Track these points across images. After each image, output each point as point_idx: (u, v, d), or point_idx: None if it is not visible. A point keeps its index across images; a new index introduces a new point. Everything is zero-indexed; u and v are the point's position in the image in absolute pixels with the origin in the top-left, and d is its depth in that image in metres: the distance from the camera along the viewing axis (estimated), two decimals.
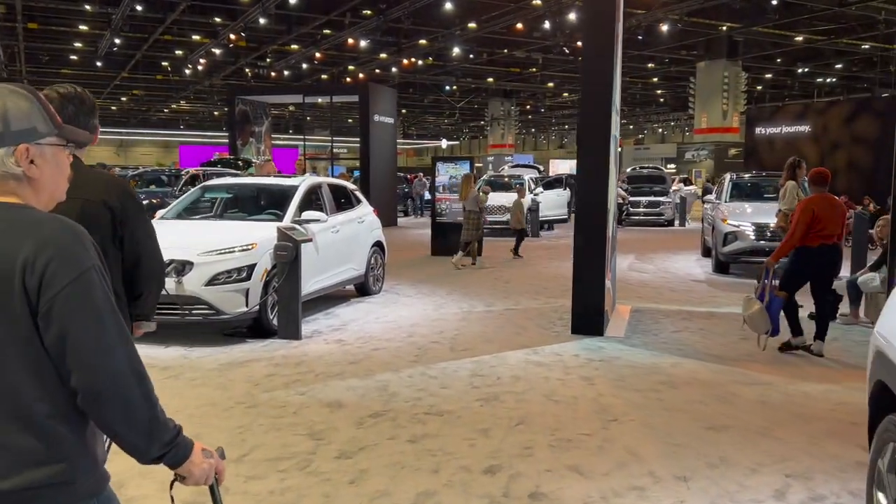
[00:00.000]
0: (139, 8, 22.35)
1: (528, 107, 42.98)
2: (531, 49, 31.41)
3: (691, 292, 9.28)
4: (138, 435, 1.36)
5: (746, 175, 12.65)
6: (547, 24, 23.81)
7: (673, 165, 39.66)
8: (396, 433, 4.30)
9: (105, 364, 1.32)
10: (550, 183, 19.10)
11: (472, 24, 25.14)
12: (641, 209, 18.64)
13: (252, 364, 5.86)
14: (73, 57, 32.86)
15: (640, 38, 25.88)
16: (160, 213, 7.76)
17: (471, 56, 29.90)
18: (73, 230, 1.37)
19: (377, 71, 32.00)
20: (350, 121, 54.64)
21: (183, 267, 6.28)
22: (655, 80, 38.92)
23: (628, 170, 22.78)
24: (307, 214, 7.39)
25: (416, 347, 6.38)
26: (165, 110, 49.31)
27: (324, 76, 35.30)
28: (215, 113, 49.90)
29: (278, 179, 8.46)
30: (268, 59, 32.53)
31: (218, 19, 26.06)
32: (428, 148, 62.96)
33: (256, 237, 6.68)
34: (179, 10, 23.38)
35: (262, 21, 22.85)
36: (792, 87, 39.04)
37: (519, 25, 23.45)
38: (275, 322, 6.76)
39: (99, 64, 30.61)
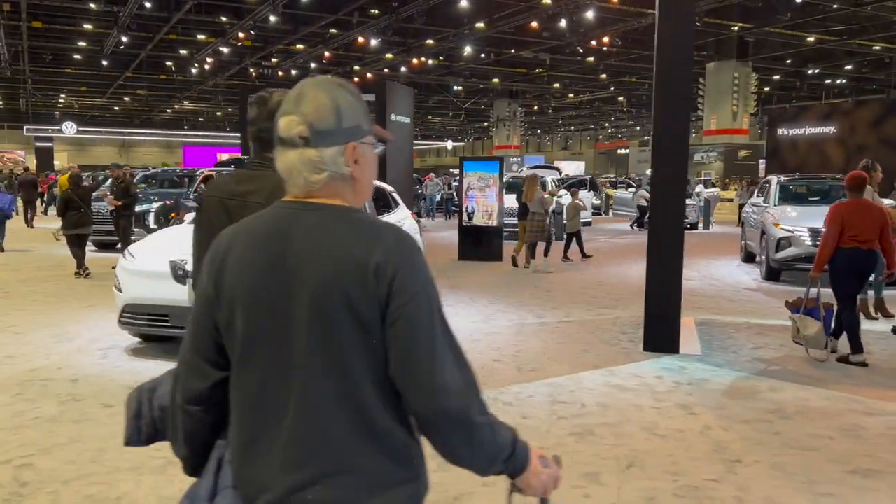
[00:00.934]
0: (148, 5, 21.65)
1: (535, 107, 42.35)
2: (539, 49, 30.88)
3: (750, 302, 8.64)
4: (479, 458, 1.29)
5: (793, 177, 11.97)
6: (562, 23, 23.21)
7: None
8: (491, 478, 3.63)
9: (448, 385, 1.23)
10: (574, 184, 18.42)
11: (480, 24, 24.58)
12: None
13: None
14: (77, 56, 32.21)
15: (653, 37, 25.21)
16: (189, 216, 7.09)
17: (482, 55, 29.26)
18: (413, 239, 1.30)
19: (386, 70, 31.33)
20: None
21: None
22: None
23: (648, 171, 22.07)
24: None
25: (478, 366, 5.69)
26: (168, 111, 48.59)
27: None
28: (217, 113, 49.26)
29: None
30: (273, 59, 31.90)
31: (224, 18, 25.46)
32: (431, 149, 62.31)
33: None
34: (186, 8, 22.73)
35: (272, 19, 22.16)
36: (801, 89, 38.48)
37: (534, 24, 22.79)
38: None
39: (105, 63, 29.85)
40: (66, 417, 4.56)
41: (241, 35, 24.48)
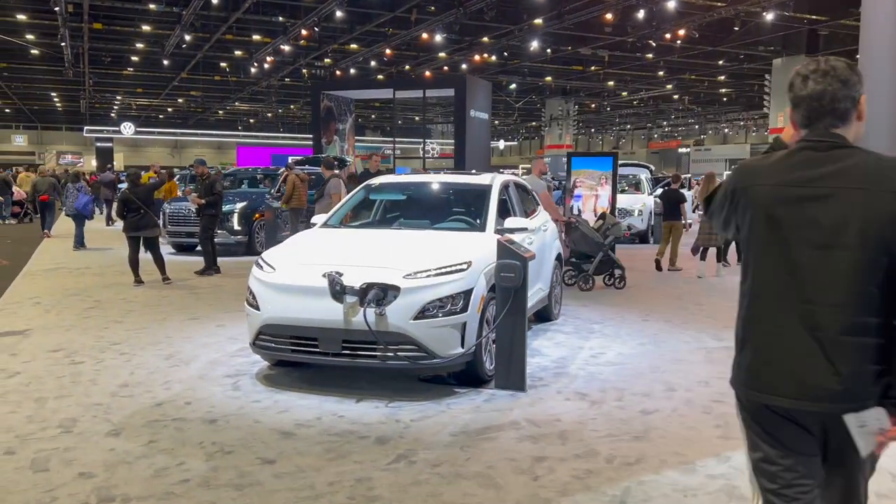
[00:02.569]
0: (214, 1, 20.90)
1: (593, 105, 40.74)
2: (597, 46, 29.57)
3: None
4: None
5: None
6: (631, 17, 21.88)
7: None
8: None
9: None
10: (669, 184, 16.92)
11: (538, 21, 23.48)
12: None
13: (497, 435, 4.04)
14: (134, 58, 31.90)
15: (736, 28, 23.73)
16: (319, 219, 6.00)
17: (549, 51, 27.99)
18: None
19: (445, 68, 30.24)
20: (401, 122, 52.70)
21: (384, 293, 4.49)
22: (722, 78, 36.59)
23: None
24: (510, 222, 5.58)
25: (700, 411, 4.49)
26: (220, 112, 48.26)
27: (379, 76, 33.68)
28: (268, 114, 48.77)
29: (463, 177, 6.62)
30: (326, 60, 31.09)
31: (281, 18, 24.74)
32: None
33: (470, 253, 4.88)
34: (244, 7, 22.04)
35: (338, 14, 21.23)
36: None
37: (608, 16, 21.41)
38: (487, 366, 4.96)
39: (166, 63, 29.42)
40: (222, 479, 3.48)
41: (304, 32, 23.58)
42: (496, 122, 52.48)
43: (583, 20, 22.59)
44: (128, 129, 39.89)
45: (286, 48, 25.62)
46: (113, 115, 47.90)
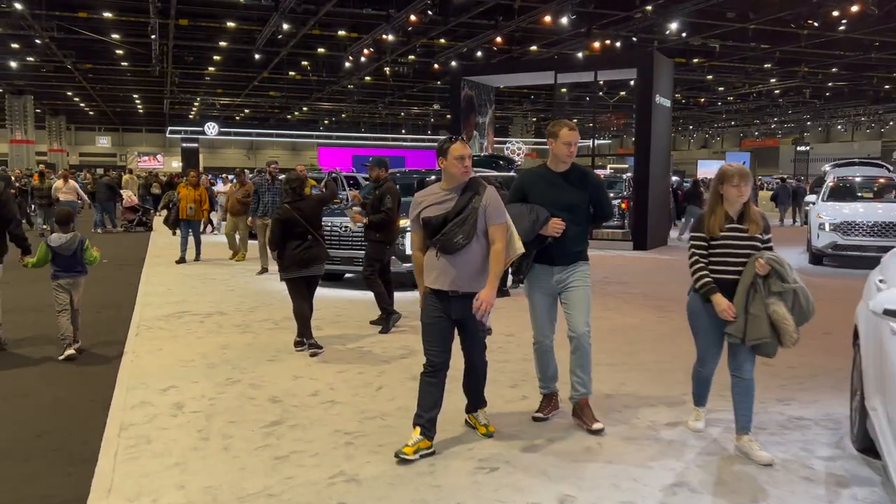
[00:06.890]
0: None
1: (702, 100, 36.04)
2: (708, 35, 25.38)
3: None
4: None
5: None
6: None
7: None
8: None
9: None
10: None
11: (649, 7, 19.75)
12: None
13: None
14: (217, 57, 29.22)
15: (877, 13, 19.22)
16: None
17: (686, 34, 23.99)
18: None
19: (555, 57, 26.42)
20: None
21: None
22: (835, 70, 31.72)
23: None
24: None
25: None
26: (296, 112, 45.35)
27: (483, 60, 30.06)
28: (343, 115, 45.72)
29: None
30: (410, 57, 27.63)
31: (371, 10, 21.49)
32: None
33: None
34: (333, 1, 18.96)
35: None
36: None
37: None
38: None
39: (258, 56, 26.46)
40: None
41: (413, 18, 20.08)
42: (589, 120, 48.08)
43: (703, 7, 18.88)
44: (212, 129, 37.23)
45: (389, 37, 22.10)
46: (191, 115, 45.52)
